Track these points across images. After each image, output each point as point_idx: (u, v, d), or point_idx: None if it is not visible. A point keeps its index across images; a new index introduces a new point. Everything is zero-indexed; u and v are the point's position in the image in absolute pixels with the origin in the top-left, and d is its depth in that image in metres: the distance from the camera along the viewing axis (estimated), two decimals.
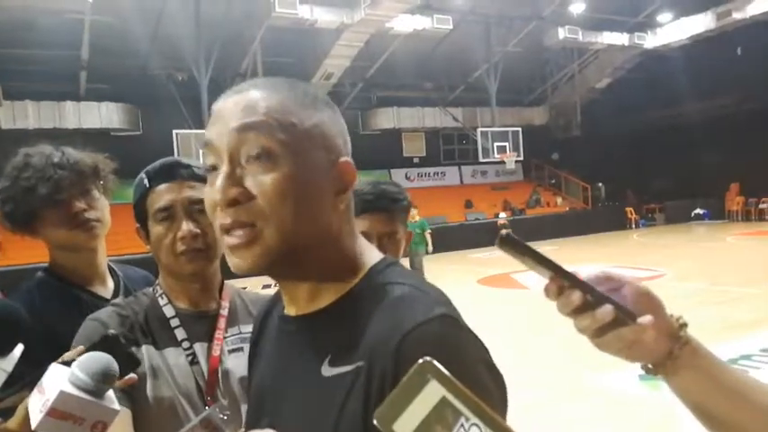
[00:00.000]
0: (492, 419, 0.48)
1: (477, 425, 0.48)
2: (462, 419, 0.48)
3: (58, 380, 0.90)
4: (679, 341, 0.72)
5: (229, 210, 0.75)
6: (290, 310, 0.85)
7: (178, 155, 14.48)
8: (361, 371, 0.72)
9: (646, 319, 0.69)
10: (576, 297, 0.68)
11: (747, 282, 9.79)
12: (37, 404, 0.90)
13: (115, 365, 0.95)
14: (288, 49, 18.60)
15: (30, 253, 10.42)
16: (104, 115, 18.74)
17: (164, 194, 1.32)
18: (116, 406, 0.94)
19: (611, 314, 0.68)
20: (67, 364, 0.96)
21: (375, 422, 0.50)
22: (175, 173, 1.34)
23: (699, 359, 0.73)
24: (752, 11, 19.55)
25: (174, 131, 16.42)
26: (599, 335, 0.70)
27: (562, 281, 0.69)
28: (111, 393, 0.95)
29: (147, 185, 1.35)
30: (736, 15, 19.98)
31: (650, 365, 0.74)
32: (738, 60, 22.28)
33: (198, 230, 1.30)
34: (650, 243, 18.36)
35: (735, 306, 8.19)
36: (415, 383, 0.50)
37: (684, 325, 0.74)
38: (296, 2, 16.39)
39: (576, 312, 0.69)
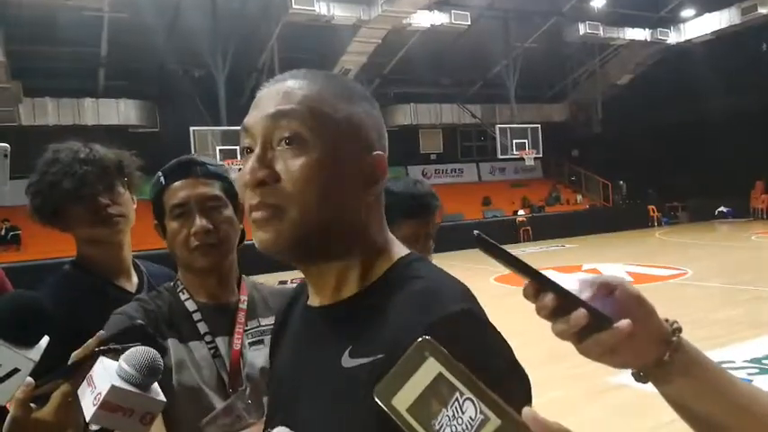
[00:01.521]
0: (485, 394, 0.51)
1: (470, 399, 0.51)
2: (457, 394, 0.51)
3: (107, 374, 0.93)
4: (669, 346, 0.69)
5: (257, 190, 0.78)
6: (314, 301, 0.87)
7: (195, 151, 14.55)
8: (382, 363, 0.71)
9: (623, 323, 0.66)
10: (549, 300, 0.66)
11: None
12: (89, 398, 0.92)
13: (160, 359, 0.98)
14: (305, 46, 18.55)
15: (49, 248, 10.51)
16: (122, 112, 18.92)
17: (178, 191, 1.38)
18: (162, 397, 0.97)
19: (584, 318, 0.65)
20: (105, 353, 0.99)
21: (375, 397, 0.53)
22: (190, 170, 1.40)
23: (693, 367, 0.69)
24: None
25: (191, 128, 16.50)
26: (579, 340, 0.68)
27: (537, 284, 0.67)
28: (156, 386, 0.98)
29: (163, 183, 1.41)
30: (762, 10, 19.57)
31: (640, 372, 0.71)
32: (763, 56, 21.95)
33: (211, 226, 1.36)
34: (673, 242, 18.10)
35: (759, 305, 8.05)
36: (414, 361, 0.53)
37: (678, 330, 0.70)
38: None
39: (553, 316, 0.67)
